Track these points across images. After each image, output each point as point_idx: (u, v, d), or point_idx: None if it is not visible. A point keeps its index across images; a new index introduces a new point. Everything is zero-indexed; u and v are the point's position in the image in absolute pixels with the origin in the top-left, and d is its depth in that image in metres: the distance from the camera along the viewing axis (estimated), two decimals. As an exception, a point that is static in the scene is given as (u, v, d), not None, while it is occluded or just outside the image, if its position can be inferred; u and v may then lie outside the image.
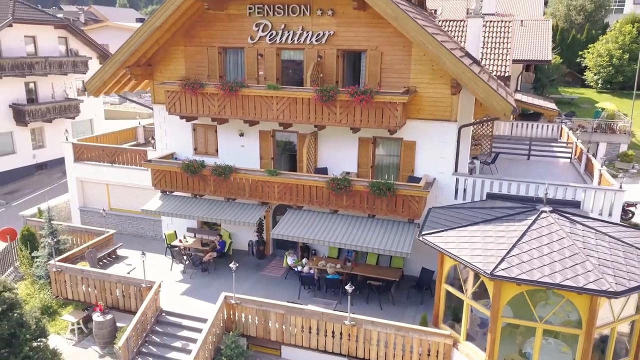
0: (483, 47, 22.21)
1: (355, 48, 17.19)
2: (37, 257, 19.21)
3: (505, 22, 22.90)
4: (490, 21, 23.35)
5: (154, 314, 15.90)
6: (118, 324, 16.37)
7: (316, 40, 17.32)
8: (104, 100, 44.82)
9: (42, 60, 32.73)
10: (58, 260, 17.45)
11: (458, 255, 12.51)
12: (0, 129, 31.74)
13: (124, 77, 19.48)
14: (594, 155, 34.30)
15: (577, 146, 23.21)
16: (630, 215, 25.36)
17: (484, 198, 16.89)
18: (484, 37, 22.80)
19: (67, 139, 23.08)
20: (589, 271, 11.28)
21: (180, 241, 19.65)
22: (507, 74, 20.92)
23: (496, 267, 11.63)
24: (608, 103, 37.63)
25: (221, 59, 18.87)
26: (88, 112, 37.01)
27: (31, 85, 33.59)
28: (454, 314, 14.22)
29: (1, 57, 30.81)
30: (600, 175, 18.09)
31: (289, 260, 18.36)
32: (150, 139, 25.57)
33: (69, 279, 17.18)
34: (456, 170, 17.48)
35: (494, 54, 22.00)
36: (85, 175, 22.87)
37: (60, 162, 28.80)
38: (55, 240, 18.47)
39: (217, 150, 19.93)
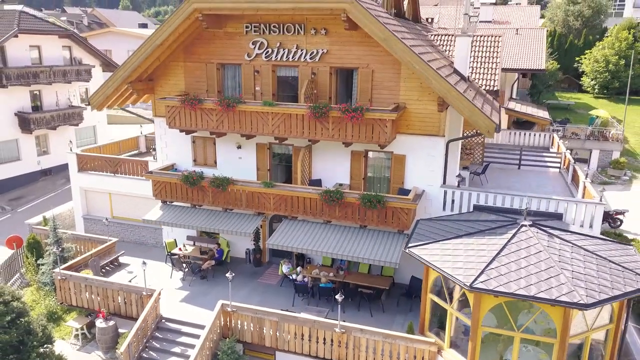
0: (473, 61, 22.93)
1: (348, 66, 17.94)
2: (42, 265, 19.97)
3: (495, 36, 23.60)
4: (481, 35, 24.07)
5: (154, 320, 16.65)
6: (120, 330, 17.13)
7: (310, 58, 18.06)
8: (107, 106, 45.53)
9: (47, 69, 33.52)
10: (63, 269, 18.21)
11: (441, 268, 13.24)
12: (5, 137, 32.54)
13: (126, 91, 20.23)
14: (587, 162, 35.04)
15: (565, 156, 23.88)
16: (619, 223, 25.97)
17: (471, 209, 17.62)
18: (474, 51, 23.51)
19: (71, 150, 23.89)
20: (562, 284, 11.99)
21: (180, 249, 20.41)
22: (495, 89, 21.64)
23: (475, 279, 12.36)
24: (602, 110, 38.25)
25: (219, 75, 19.63)
26: (91, 119, 37.76)
27: (36, 94, 34.40)
28: (439, 322, 14.94)
29: (7, 66, 31.61)
30: (584, 187, 18.78)
31: (284, 268, 19.11)
32: (151, 149, 26.33)
33: (73, 287, 17.94)
34: (444, 182, 18.19)
35: (484, 68, 22.72)
36: (89, 184, 23.69)
37: (64, 168, 29.59)
38: (60, 249, 19.25)
39: (215, 162, 20.68)
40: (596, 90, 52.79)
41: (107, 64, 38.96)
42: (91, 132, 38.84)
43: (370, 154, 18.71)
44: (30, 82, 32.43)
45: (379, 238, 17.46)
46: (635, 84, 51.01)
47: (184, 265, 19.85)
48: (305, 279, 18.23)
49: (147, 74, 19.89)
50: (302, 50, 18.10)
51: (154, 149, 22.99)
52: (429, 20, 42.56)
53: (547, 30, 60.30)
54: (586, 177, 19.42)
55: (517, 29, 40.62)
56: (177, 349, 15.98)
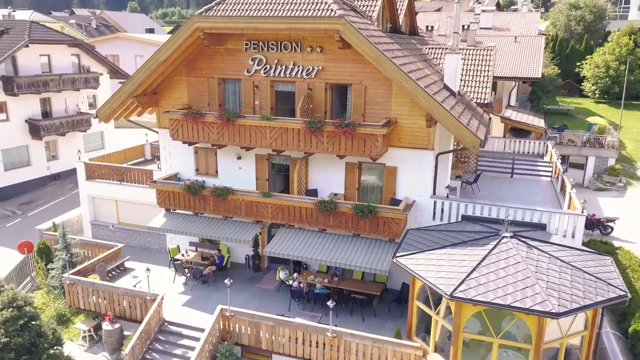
0: (465, 74, 23.69)
1: (342, 82, 18.82)
2: (52, 269, 20.96)
3: (488, 49, 24.34)
4: (474, 48, 24.82)
5: (157, 323, 17.61)
6: (125, 332, 18.09)
7: (306, 74, 18.94)
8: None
9: (56, 78, 34.63)
10: (71, 274, 19.20)
11: (425, 277, 14.10)
12: (16, 143, 33.69)
13: (132, 104, 21.19)
14: (584, 168, 35.70)
15: (556, 165, 24.57)
16: (609, 230, 26.67)
17: (459, 219, 18.44)
18: (467, 64, 24.27)
19: (79, 159, 24.91)
20: (537, 294, 12.81)
21: (183, 255, 21.36)
22: (486, 101, 22.39)
23: (456, 288, 13.20)
24: (598, 117, 38.86)
25: (220, 89, 20.57)
26: (99, 125, 38.67)
27: (46, 101, 35.52)
28: (426, 327, 15.79)
29: (18, 75, 32.76)
30: (570, 198, 19.52)
31: (281, 274, 20.02)
32: (156, 157, 27.31)
33: (81, 291, 18.93)
34: (434, 193, 19.02)
35: (475, 81, 23.48)
36: (96, 192, 24.73)
37: (73, 172, 30.60)
38: (69, 254, 20.26)
39: (217, 171, 21.61)
40: (597, 95, 53.33)
41: (115, 72, 40.04)
42: (99, 138, 39.93)
43: (364, 166, 19.57)
44: (40, 90, 33.56)
45: (371, 246, 18.32)
46: (635, 89, 51.51)
47: (186, 270, 20.79)
48: (301, 285, 19.12)
49: (152, 88, 20.86)
50: (298, 66, 18.99)
51: (159, 158, 23.97)
52: (429, 28, 43.37)
53: (549, 35, 60.98)
54: (572, 187, 20.15)
55: (515, 37, 41.27)
56: (178, 351, 16.93)
